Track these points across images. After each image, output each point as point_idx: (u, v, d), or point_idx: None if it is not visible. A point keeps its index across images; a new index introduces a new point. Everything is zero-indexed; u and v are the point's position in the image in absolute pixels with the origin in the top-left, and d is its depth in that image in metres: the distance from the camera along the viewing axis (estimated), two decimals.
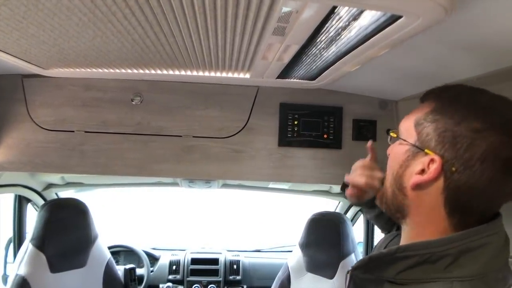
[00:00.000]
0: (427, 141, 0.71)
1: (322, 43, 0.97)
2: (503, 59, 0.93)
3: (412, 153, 0.74)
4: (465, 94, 0.73)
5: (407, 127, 0.77)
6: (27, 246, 1.96)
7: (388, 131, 0.84)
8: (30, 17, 0.84)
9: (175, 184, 2.54)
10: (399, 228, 1.31)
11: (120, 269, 2.43)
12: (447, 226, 0.71)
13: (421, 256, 0.69)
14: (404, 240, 0.80)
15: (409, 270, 0.70)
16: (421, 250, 0.69)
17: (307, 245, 2.33)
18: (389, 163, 0.81)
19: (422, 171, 0.71)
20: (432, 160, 0.70)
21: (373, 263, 0.76)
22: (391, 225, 1.32)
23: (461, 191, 0.68)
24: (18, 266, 1.89)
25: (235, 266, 2.88)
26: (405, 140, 0.76)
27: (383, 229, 1.37)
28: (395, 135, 0.80)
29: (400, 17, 0.75)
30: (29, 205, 2.33)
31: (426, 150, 0.71)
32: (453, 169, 0.68)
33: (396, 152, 0.78)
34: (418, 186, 0.72)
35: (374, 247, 1.09)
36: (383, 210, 0.85)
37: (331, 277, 2.20)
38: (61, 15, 0.83)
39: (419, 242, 0.71)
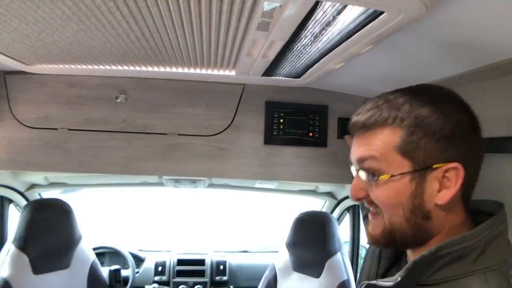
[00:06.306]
0: (429, 157, 0.68)
1: (306, 39, 0.98)
2: (483, 57, 0.95)
3: (420, 178, 0.69)
4: (410, 99, 0.71)
5: (389, 160, 0.70)
6: (9, 247, 1.93)
7: (373, 177, 0.72)
8: (13, 10, 0.83)
9: (160, 184, 2.52)
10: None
11: (105, 271, 2.40)
12: (466, 220, 0.73)
13: (456, 252, 0.66)
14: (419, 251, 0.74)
15: (442, 270, 0.67)
16: (457, 246, 0.66)
17: (293, 244, 2.33)
18: (391, 202, 0.72)
19: (441, 186, 0.69)
20: (447, 171, 0.68)
21: (417, 267, 0.69)
22: None
23: (471, 180, 0.71)
24: (0, 268, 1.86)
25: (221, 267, 2.87)
26: (402, 173, 0.69)
27: None
28: (386, 177, 0.70)
29: (381, 13, 0.77)
30: (11, 206, 2.29)
31: (435, 166, 0.68)
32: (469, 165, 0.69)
33: (395, 189, 0.71)
34: (449, 200, 0.69)
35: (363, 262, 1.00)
36: (390, 247, 0.81)
37: (317, 276, 2.22)
38: (44, 8, 0.83)
39: (456, 238, 0.67)
